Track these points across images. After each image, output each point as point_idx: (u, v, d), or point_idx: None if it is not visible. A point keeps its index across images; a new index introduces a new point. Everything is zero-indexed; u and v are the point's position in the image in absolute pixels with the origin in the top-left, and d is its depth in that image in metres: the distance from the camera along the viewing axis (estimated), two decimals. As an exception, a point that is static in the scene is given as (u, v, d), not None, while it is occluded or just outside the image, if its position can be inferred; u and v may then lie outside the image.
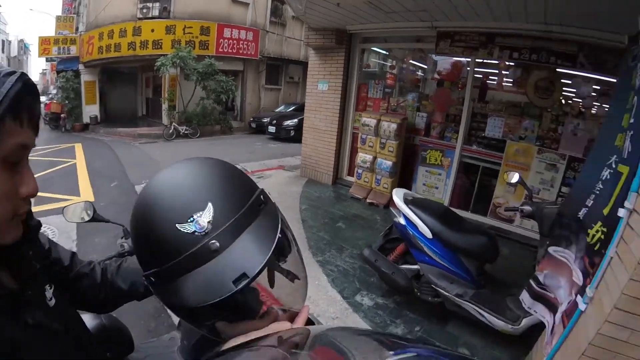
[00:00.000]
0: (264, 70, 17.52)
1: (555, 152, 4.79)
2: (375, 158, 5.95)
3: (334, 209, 5.69)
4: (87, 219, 1.58)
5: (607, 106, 3.93)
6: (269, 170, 7.41)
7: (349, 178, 6.77)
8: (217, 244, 0.57)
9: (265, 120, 14.45)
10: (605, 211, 1.97)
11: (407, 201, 3.15)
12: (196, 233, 0.57)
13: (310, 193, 6.25)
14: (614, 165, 2.03)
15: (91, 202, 1.66)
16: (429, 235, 2.96)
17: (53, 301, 0.78)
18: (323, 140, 6.78)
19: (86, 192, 6.12)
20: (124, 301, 1.10)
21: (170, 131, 12.76)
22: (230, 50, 15.25)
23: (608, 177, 2.08)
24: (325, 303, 3.41)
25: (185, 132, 13.03)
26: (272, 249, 0.60)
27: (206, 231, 0.57)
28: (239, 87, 16.31)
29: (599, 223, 2.02)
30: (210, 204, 0.59)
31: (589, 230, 2.10)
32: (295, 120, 12.68)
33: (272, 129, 13.57)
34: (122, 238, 1.64)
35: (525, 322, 2.76)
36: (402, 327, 3.23)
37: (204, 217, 0.58)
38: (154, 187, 0.64)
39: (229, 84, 13.85)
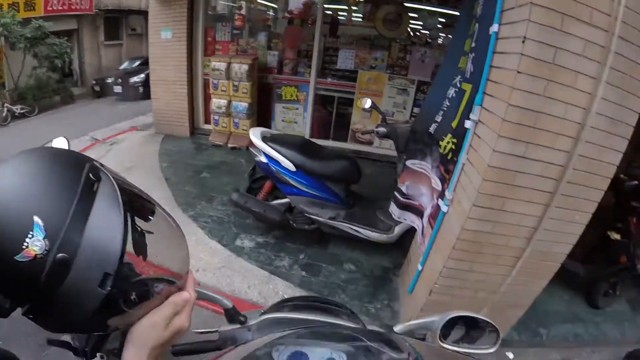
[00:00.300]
0: (102, 25, 15.01)
1: (405, 77, 5.28)
2: (230, 102, 5.76)
3: (197, 161, 5.47)
4: None
5: (451, 36, 4.35)
6: (121, 134, 6.64)
7: (207, 126, 6.48)
8: (65, 255, 0.50)
9: (109, 80, 12.52)
10: (454, 124, 2.23)
11: (265, 139, 3.16)
12: (38, 256, 0.49)
13: (169, 149, 5.85)
14: (458, 85, 2.27)
15: (65, 138, 1.39)
16: (292, 168, 3.05)
17: None
18: (174, 92, 6.25)
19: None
20: None
21: (4, 114, 10.18)
22: (61, 8, 12.51)
23: (454, 95, 2.32)
24: (207, 255, 3.36)
25: (22, 111, 10.66)
26: (123, 231, 0.54)
27: (47, 249, 0.49)
28: (74, 49, 13.73)
29: (449, 135, 2.28)
30: (36, 218, 0.50)
31: (441, 142, 2.37)
32: (142, 75, 11.27)
33: (117, 89, 11.95)
34: None
35: (397, 230, 3.10)
36: (287, 259, 3.39)
37: (37, 237, 0.49)
38: None
39: (63, 47, 11.51)
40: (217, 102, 5.81)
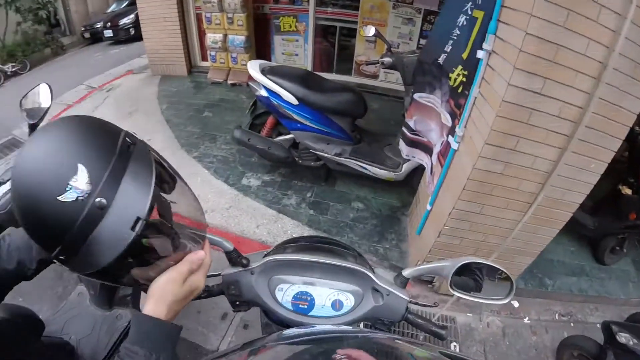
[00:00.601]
0: (84, -33, 14.14)
1: (411, 6, 4.84)
2: (225, 36, 5.45)
3: (197, 100, 5.28)
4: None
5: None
6: (117, 79, 6.34)
7: (204, 63, 6.19)
8: (104, 200, 0.58)
9: (98, 25, 11.86)
10: (464, 55, 2.04)
11: (264, 71, 2.96)
12: (79, 198, 0.56)
13: (168, 90, 5.64)
14: (469, 12, 2.04)
15: (47, 84, 1.60)
16: (294, 101, 2.88)
17: None
18: (165, 30, 5.86)
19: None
20: (12, 284, 0.98)
21: (-4, 76, 9.84)
22: (38, -47, 11.81)
23: (464, 23, 2.10)
24: (214, 196, 3.32)
25: (13, 69, 10.22)
26: (153, 184, 0.62)
27: (88, 192, 0.57)
28: (58, -4, 13.16)
29: (459, 67, 2.09)
30: (80, 165, 0.57)
31: (450, 75, 2.18)
32: (132, 15, 10.61)
33: (108, 33, 11.34)
34: None
35: (405, 167, 2.99)
36: (295, 197, 3.35)
37: (81, 180, 0.57)
38: (22, 170, 0.59)
39: (46, -4, 11.03)
40: (212, 37, 5.50)
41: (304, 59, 5.65)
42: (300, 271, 1.01)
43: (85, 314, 1.66)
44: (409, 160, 2.94)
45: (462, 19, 2.14)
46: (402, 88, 3.00)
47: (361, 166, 3.08)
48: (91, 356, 1.76)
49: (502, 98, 1.64)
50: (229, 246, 0.99)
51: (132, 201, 0.60)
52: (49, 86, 1.57)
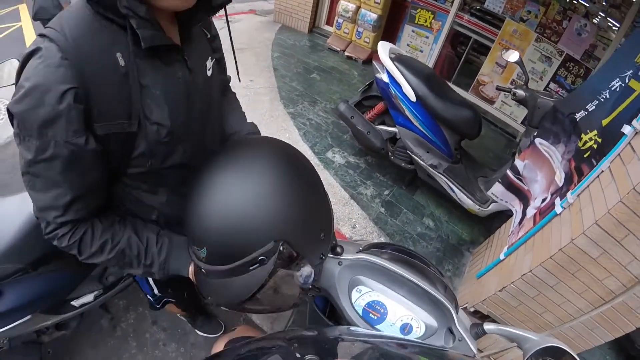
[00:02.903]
0: None
1: (554, 45, 4.42)
2: (359, 8, 5.33)
3: (309, 59, 5.25)
4: (14, 80, 1.40)
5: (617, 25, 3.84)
6: (239, 14, 6.52)
7: (328, 27, 6.15)
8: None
9: None
10: (605, 122, 1.87)
11: (392, 57, 2.83)
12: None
13: (284, 40, 5.68)
14: (627, 80, 1.86)
15: (17, 59, 1.43)
16: (412, 97, 2.74)
17: (210, 72, 0.95)
18: (302, -17, 5.93)
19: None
20: None
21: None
22: None
23: (617, 89, 1.92)
24: (295, 158, 3.29)
25: None
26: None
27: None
28: None
29: (595, 131, 1.92)
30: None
31: (583, 135, 2.00)
32: None
33: None
34: None
35: (493, 206, 2.79)
36: (372, 189, 3.25)
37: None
38: (227, 208, 0.72)
39: None
40: (345, 5, 5.40)
41: (427, 58, 5.41)
42: (387, 281, 0.95)
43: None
44: (498, 201, 2.73)
45: (616, 84, 1.94)
46: (512, 123, 2.77)
47: (450, 187, 2.90)
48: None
49: (634, 186, 1.44)
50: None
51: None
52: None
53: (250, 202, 0.71)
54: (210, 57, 0.96)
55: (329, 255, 0.95)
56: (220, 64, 1.08)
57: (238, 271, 0.73)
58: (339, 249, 0.96)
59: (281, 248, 0.71)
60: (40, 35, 0.66)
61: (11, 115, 0.67)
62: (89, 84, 0.66)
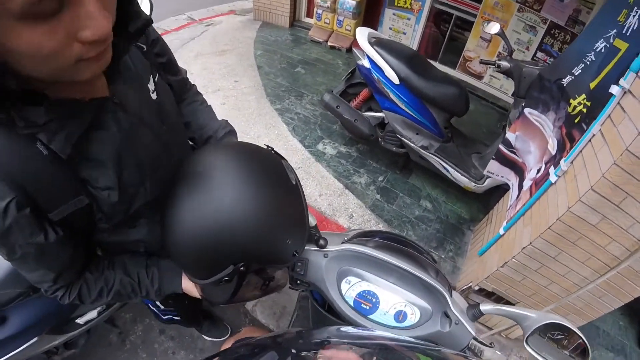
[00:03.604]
0: None
1: (537, 13, 4.36)
2: (337, -4, 5.28)
3: (292, 54, 5.21)
4: None
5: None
6: (218, 16, 6.42)
7: (308, 20, 6.09)
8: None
9: None
10: (592, 85, 1.82)
11: (372, 42, 2.80)
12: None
13: (266, 37, 5.63)
14: (611, 40, 1.81)
15: None
16: (395, 80, 2.71)
17: (155, 94, 0.88)
18: (278, -22, 5.86)
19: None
20: None
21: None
22: None
23: (602, 50, 1.87)
24: (287, 153, 3.29)
25: None
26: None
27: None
28: None
29: (583, 95, 1.88)
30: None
31: (571, 100, 1.96)
32: None
33: None
34: None
35: (489, 181, 2.77)
36: (366, 177, 3.24)
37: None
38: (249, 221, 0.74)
39: None
40: (323, -5, 5.34)
41: (411, 40, 5.35)
42: (376, 270, 0.93)
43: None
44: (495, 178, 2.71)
45: (601, 45, 1.90)
46: (503, 96, 2.72)
47: (444, 166, 2.88)
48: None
49: (626, 146, 1.41)
50: (312, 221, 0.93)
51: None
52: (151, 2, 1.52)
53: (208, 232, 0.72)
54: (151, 77, 0.88)
55: (313, 249, 0.94)
56: (167, 68, 1.04)
57: (211, 285, 0.79)
58: (322, 242, 0.94)
59: (241, 268, 0.76)
60: None
61: None
62: (25, 186, 0.64)
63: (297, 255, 0.82)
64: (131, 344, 2.11)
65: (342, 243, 0.97)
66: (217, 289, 0.81)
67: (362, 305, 0.91)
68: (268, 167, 0.83)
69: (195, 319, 1.98)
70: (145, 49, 0.90)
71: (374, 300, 0.91)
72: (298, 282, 0.97)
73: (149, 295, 0.99)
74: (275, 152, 0.93)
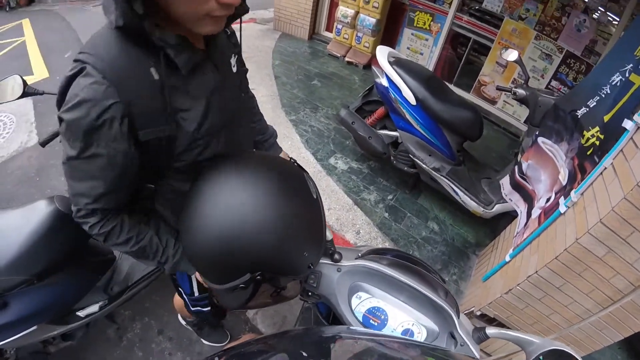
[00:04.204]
0: None
1: (554, 42, 4.39)
2: (357, 13, 5.34)
3: (310, 66, 5.28)
4: (17, 95, 1.48)
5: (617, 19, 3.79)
6: (237, 23, 6.52)
7: (327, 34, 6.18)
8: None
9: None
10: (606, 118, 1.84)
11: (391, 61, 2.83)
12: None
13: (284, 48, 5.71)
14: (627, 74, 1.83)
15: (20, 76, 1.50)
16: (412, 101, 2.74)
17: (235, 68, 1.05)
18: (300, -9, 5.95)
19: (39, 69, 5.11)
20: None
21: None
22: None
23: (618, 83, 1.89)
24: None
25: None
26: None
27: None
28: None
29: (597, 128, 1.89)
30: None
31: (585, 132, 1.98)
32: None
33: None
34: None
35: (498, 207, 2.77)
36: (375, 194, 3.25)
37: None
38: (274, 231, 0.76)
39: None
40: (344, 11, 5.41)
41: (428, 61, 5.40)
42: (387, 287, 0.95)
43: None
44: (503, 202, 2.71)
45: (616, 79, 1.91)
46: (515, 123, 2.74)
47: (454, 189, 2.89)
48: (128, 272, 1.84)
49: (637, 181, 1.42)
50: (329, 235, 0.94)
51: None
52: (23, 79, 1.55)
53: (228, 238, 0.74)
54: (233, 54, 1.03)
55: (327, 262, 0.95)
56: (239, 58, 1.15)
57: (226, 290, 0.80)
58: (337, 256, 0.95)
59: (258, 277, 0.77)
60: (76, 60, 0.74)
61: (60, 120, 0.75)
62: (129, 98, 0.73)
63: (312, 267, 0.83)
64: (128, 341, 2.10)
65: (356, 259, 0.99)
66: (232, 294, 0.82)
67: (371, 320, 0.93)
68: (291, 179, 0.86)
69: (224, 312, 1.94)
70: (228, 34, 1.07)
71: (382, 317, 0.92)
72: (310, 294, 0.98)
73: (166, 264, 1.04)
74: (298, 164, 0.97)
